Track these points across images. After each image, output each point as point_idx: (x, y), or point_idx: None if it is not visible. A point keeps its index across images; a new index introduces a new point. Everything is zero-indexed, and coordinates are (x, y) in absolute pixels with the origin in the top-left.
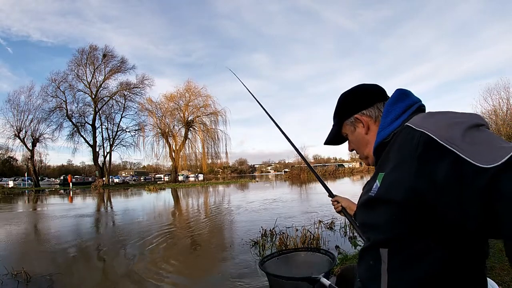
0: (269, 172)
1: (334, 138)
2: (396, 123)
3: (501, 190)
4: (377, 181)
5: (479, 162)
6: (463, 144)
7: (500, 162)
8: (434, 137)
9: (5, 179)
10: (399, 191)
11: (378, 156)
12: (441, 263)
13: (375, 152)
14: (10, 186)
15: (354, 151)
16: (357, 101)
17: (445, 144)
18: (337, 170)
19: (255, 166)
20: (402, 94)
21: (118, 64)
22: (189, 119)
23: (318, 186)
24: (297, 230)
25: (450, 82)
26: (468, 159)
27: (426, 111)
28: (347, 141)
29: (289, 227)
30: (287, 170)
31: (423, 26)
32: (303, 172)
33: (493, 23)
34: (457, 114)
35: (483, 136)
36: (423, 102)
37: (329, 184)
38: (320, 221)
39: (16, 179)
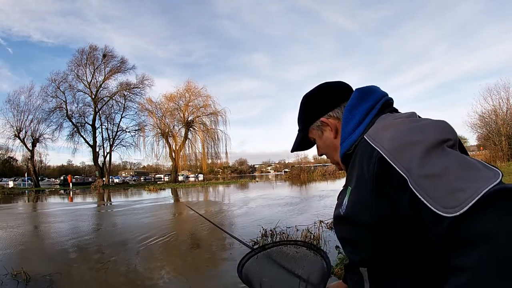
0: (269, 172)
1: (301, 144)
2: (357, 131)
3: (459, 241)
4: (346, 196)
5: (435, 207)
6: (420, 179)
7: (459, 213)
8: (389, 160)
9: (5, 179)
10: (364, 213)
11: (347, 164)
12: (423, 281)
13: (343, 162)
14: (10, 186)
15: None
16: (322, 103)
17: (401, 172)
18: (337, 170)
19: (255, 166)
20: (362, 94)
21: (118, 64)
22: (189, 119)
23: (318, 186)
24: (297, 230)
25: (450, 82)
26: (424, 201)
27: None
28: (315, 145)
29: (289, 227)
30: (287, 170)
31: (423, 26)
32: (303, 172)
33: (493, 23)
34: (417, 125)
35: (445, 163)
36: (422, 102)
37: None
38: (320, 221)
39: (16, 179)
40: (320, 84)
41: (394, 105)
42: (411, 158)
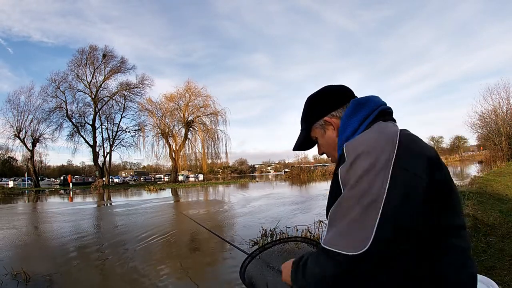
0: (269, 172)
1: (303, 143)
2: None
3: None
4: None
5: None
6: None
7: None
8: (339, 178)
9: (5, 179)
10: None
11: None
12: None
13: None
14: (10, 186)
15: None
16: (325, 103)
17: (340, 184)
18: None
19: (255, 166)
20: (357, 105)
21: (118, 64)
22: (189, 119)
23: (318, 185)
24: (297, 230)
25: (450, 82)
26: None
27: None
28: (316, 145)
29: (289, 227)
30: (287, 170)
31: (423, 26)
32: (303, 172)
33: (493, 23)
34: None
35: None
36: (422, 102)
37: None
38: (320, 221)
39: (16, 179)
40: (324, 86)
41: (397, 107)
42: (350, 175)
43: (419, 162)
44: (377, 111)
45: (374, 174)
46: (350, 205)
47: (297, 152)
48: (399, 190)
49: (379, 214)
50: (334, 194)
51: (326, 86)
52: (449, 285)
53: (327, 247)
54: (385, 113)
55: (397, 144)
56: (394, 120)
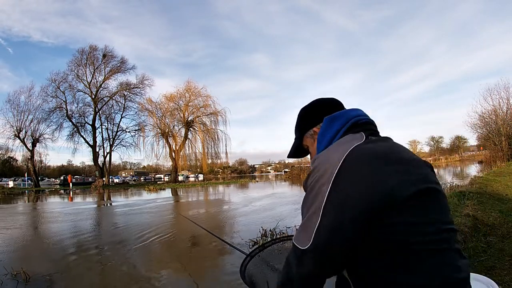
0: (269, 172)
1: (296, 151)
2: None
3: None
4: None
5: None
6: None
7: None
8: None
9: (5, 179)
10: None
11: None
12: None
13: None
14: (10, 186)
15: None
16: (315, 115)
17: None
18: None
19: (255, 166)
20: (328, 121)
21: (118, 64)
22: (189, 119)
23: None
24: (297, 229)
25: (450, 82)
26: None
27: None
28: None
29: (289, 227)
30: (287, 170)
31: (423, 26)
32: (303, 172)
33: (493, 23)
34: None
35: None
36: (422, 102)
37: None
38: None
39: (16, 179)
40: (316, 99)
41: (397, 107)
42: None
43: (357, 179)
44: (348, 125)
45: (317, 188)
46: (305, 210)
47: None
48: (333, 205)
49: (318, 222)
50: None
51: (318, 99)
52: None
53: (293, 242)
54: (358, 125)
55: (341, 162)
56: (371, 131)
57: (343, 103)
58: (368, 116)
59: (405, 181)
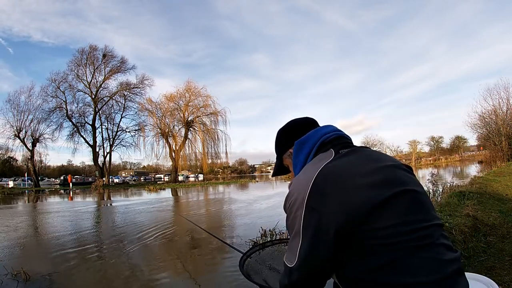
0: (269, 172)
1: (279, 170)
2: None
3: None
4: None
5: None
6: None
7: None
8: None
9: (5, 179)
10: None
11: None
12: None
13: None
14: (10, 186)
15: None
16: (290, 136)
17: None
18: None
19: (255, 166)
20: (299, 145)
21: (118, 64)
22: (189, 119)
23: None
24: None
25: (450, 82)
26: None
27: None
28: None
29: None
30: None
31: (423, 26)
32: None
33: (493, 23)
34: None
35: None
36: (422, 102)
37: None
38: None
39: (16, 179)
40: (290, 121)
41: (397, 107)
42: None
43: (328, 198)
44: (317, 145)
45: (294, 213)
46: (290, 231)
47: None
48: (309, 225)
49: (300, 243)
50: None
51: (292, 120)
52: None
53: (283, 259)
54: (326, 143)
55: (310, 185)
56: (340, 144)
57: (343, 103)
58: (338, 131)
59: (376, 189)
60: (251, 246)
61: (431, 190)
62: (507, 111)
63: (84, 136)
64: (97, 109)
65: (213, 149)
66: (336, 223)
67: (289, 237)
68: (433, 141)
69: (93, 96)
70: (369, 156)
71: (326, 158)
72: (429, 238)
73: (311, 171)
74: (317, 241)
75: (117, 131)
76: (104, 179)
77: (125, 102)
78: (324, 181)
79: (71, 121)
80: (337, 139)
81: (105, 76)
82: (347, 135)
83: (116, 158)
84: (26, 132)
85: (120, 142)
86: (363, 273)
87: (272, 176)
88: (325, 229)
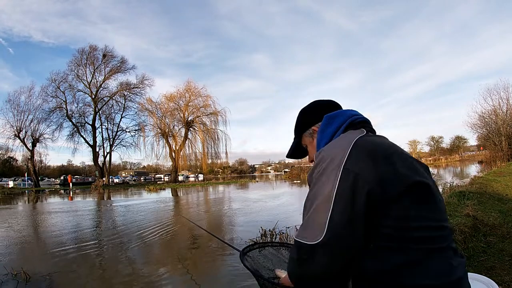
0: (269, 172)
1: (295, 151)
2: None
3: None
4: None
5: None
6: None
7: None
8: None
9: (5, 179)
10: None
11: None
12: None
13: None
14: (10, 186)
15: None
16: (314, 114)
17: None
18: None
19: (255, 166)
20: (328, 119)
21: (118, 64)
22: (189, 119)
23: None
24: (296, 230)
25: (450, 82)
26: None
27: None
28: (307, 155)
29: (289, 227)
30: (287, 170)
31: (423, 26)
32: (303, 172)
33: (493, 24)
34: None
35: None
36: (422, 102)
37: None
38: None
39: (16, 179)
40: (314, 101)
41: (397, 107)
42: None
43: (366, 163)
44: (347, 123)
45: (326, 177)
46: (310, 203)
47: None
48: (345, 190)
49: (330, 210)
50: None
51: (316, 100)
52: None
53: (295, 238)
54: (356, 123)
55: (349, 150)
56: (368, 128)
57: (342, 103)
58: (364, 116)
59: (407, 170)
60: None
61: None
62: (507, 111)
63: (84, 136)
64: (97, 109)
65: (213, 149)
66: (371, 189)
67: (295, 235)
68: (433, 141)
69: (93, 96)
70: (395, 144)
71: (359, 133)
72: (445, 240)
73: (347, 139)
74: (354, 205)
75: (117, 131)
76: (104, 179)
77: (125, 102)
78: (363, 148)
79: (71, 121)
80: (364, 123)
81: (105, 76)
82: (371, 123)
83: (116, 158)
84: (26, 132)
85: (120, 142)
86: (379, 272)
87: (287, 157)
88: (363, 191)
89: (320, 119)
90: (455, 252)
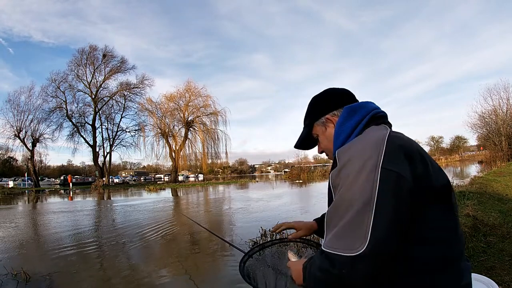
0: (269, 172)
1: (304, 141)
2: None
3: None
4: None
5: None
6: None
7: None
8: (329, 182)
9: (5, 179)
10: None
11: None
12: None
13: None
14: (10, 186)
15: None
16: (327, 103)
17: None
18: None
19: (255, 166)
20: (350, 112)
21: (118, 64)
22: (189, 119)
23: (318, 185)
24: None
25: (450, 82)
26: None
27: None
28: (315, 146)
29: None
30: (287, 170)
31: (423, 26)
32: (303, 172)
33: (493, 24)
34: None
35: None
36: (422, 102)
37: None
38: None
39: (16, 179)
40: (328, 88)
41: (397, 107)
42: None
43: (404, 162)
44: (369, 117)
45: (364, 177)
46: (344, 209)
47: (297, 151)
48: (388, 192)
49: (372, 216)
50: (329, 197)
51: (330, 88)
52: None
53: (326, 249)
54: (377, 118)
55: (384, 148)
56: (388, 123)
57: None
58: (383, 110)
59: (439, 171)
60: (251, 246)
61: None
62: (507, 111)
63: (84, 136)
64: (97, 109)
65: (213, 149)
66: (413, 191)
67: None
68: (433, 141)
69: (93, 96)
70: (409, 141)
71: (385, 130)
72: (462, 245)
73: (377, 135)
74: (398, 209)
75: (117, 131)
76: (104, 179)
77: (125, 102)
78: (397, 146)
79: (71, 121)
80: (385, 118)
81: (105, 76)
82: None
83: (116, 158)
84: (26, 132)
85: (120, 142)
86: (404, 274)
87: (295, 147)
88: (405, 194)
89: (334, 108)
90: (465, 257)
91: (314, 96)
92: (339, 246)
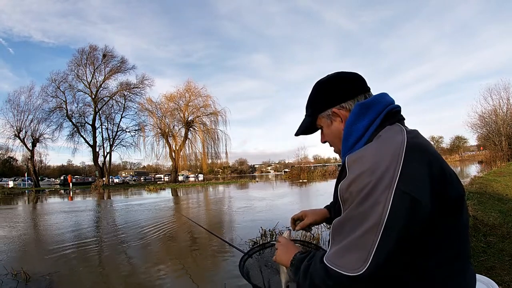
0: (269, 172)
1: (306, 130)
2: (356, 148)
3: None
4: None
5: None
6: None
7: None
8: (338, 193)
9: (5, 179)
10: None
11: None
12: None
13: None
14: (10, 186)
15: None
16: (335, 93)
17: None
18: (337, 170)
19: (255, 166)
20: (361, 109)
21: (118, 64)
22: (189, 119)
23: (318, 185)
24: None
25: (450, 82)
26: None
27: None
28: (318, 132)
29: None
30: (287, 170)
31: (423, 26)
32: (303, 172)
33: (493, 24)
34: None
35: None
36: (422, 102)
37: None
38: None
39: (16, 179)
40: (336, 73)
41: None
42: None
43: (423, 181)
44: (383, 114)
45: (374, 199)
46: (350, 228)
47: (297, 151)
48: (399, 219)
49: (378, 239)
50: (337, 207)
51: (338, 73)
52: None
53: (328, 264)
54: (392, 114)
55: (401, 161)
56: (402, 119)
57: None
58: (398, 105)
59: (458, 184)
60: (251, 246)
61: None
62: (507, 111)
63: (84, 136)
64: (97, 109)
65: (213, 149)
66: (430, 212)
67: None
68: (433, 141)
69: (93, 96)
70: (430, 148)
71: (400, 133)
72: (470, 253)
73: (394, 143)
74: (407, 233)
75: (117, 131)
76: (104, 179)
77: (125, 102)
78: (416, 157)
79: (71, 121)
80: (399, 114)
81: (105, 76)
82: None
83: (116, 158)
84: (26, 132)
85: (120, 142)
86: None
87: (295, 135)
88: (419, 218)
89: (343, 100)
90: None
91: (319, 82)
92: (340, 263)
